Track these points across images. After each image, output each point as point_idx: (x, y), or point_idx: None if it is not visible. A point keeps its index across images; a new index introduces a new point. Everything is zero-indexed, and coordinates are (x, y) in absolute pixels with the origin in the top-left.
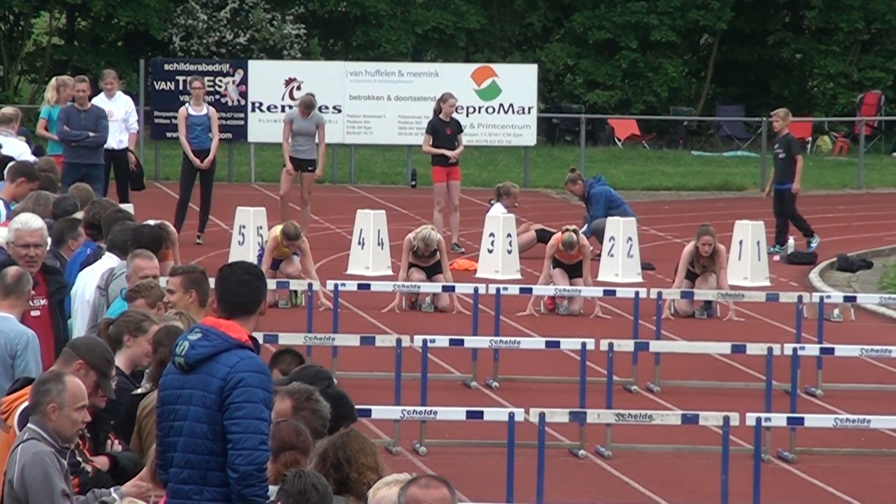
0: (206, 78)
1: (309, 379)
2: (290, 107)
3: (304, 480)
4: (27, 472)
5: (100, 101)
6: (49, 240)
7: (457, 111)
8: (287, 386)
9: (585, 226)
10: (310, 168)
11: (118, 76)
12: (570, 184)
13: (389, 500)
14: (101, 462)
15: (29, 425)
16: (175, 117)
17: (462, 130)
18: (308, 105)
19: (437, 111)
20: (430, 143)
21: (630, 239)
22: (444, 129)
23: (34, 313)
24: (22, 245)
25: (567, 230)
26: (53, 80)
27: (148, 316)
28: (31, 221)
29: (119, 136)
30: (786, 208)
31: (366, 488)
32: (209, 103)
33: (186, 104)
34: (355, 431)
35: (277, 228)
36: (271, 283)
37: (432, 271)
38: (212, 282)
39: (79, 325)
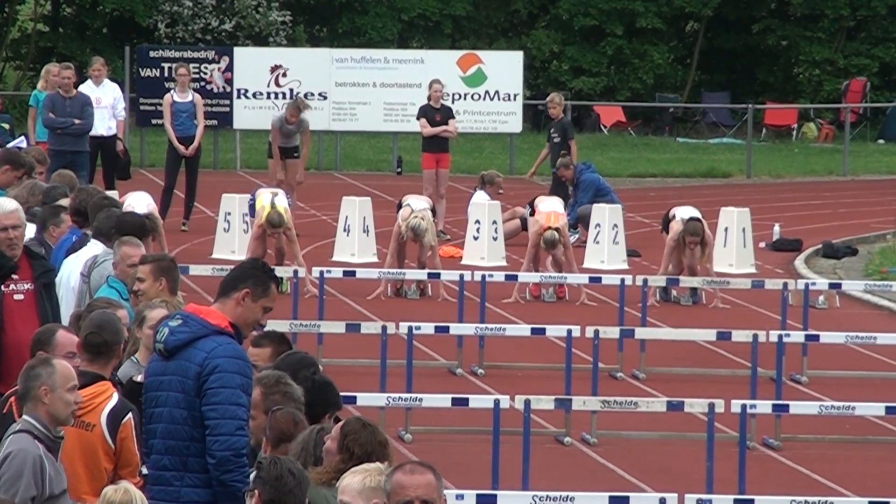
0: (192, 65)
1: (294, 365)
2: (282, 94)
3: (280, 466)
4: (6, 465)
5: (88, 87)
6: (25, 221)
7: (443, 98)
8: (257, 374)
9: (570, 211)
10: (294, 154)
11: (105, 63)
12: (563, 168)
13: (352, 489)
14: None
15: (24, 416)
16: (160, 104)
17: (453, 116)
18: (297, 108)
19: (429, 98)
20: (426, 125)
21: (616, 226)
22: (433, 116)
23: (17, 297)
24: (0, 229)
25: (550, 229)
26: (45, 68)
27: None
28: (5, 204)
29: (108, 123)
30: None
31: None
32: (194, 90)
33: (171, 91)
34: (373, 426)
35: (263, 215)
36: None
37: None
38: (199, 269)
39: (63, 312)
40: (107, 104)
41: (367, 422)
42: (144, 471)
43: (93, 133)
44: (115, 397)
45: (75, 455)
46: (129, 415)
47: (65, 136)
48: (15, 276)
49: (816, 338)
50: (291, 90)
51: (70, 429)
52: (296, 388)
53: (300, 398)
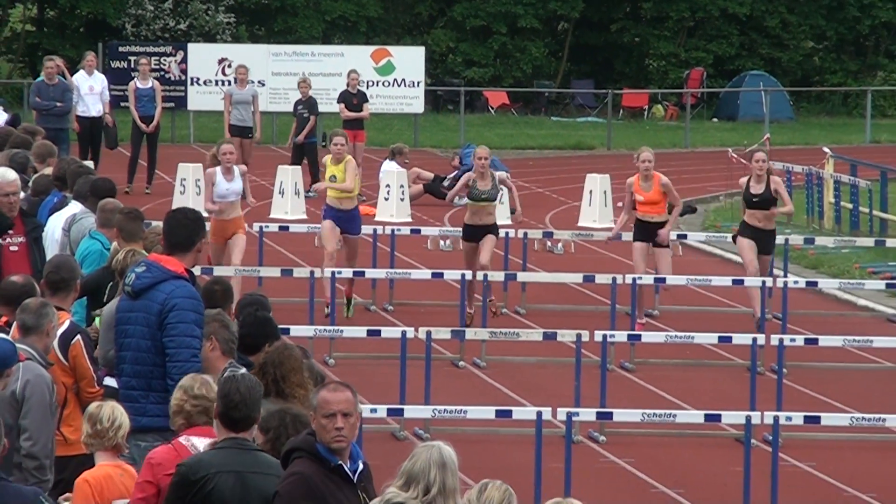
0: (153, 58)
1: (246, 303)
2: (227, 82)
3: (229, 384)
4: (29, 390)
5: (82, 76)
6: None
7: (359, 84)
8: None
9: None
10: (249, 135)
11: (96, 56)
12: (453, 166)
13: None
14: None
15: (25, 347)
16: (127, 90)
17: (367, 100)
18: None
19: (347, 84)
20: (344, 109)
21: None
22: (351, 100)
23: (13, 248)
24: (3, 195)
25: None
26: (44, 61)
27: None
28: (7, 174)
29: (98, 106)
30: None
31: (295, 401)
32: (155, 78)
33: (135, 79)
34: (290, 351)
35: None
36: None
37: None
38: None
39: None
40: (97, 91)
41: (288, 345)
42: (114, 383)
43: (86, 114)
44: (67, 324)
45: None
46: (78, 336)
47: (49, 116)
48: (10, 232)
49: (663, 280)
50: (235, 78)
51: None
52: (230, 321)
53: (234, 331)
